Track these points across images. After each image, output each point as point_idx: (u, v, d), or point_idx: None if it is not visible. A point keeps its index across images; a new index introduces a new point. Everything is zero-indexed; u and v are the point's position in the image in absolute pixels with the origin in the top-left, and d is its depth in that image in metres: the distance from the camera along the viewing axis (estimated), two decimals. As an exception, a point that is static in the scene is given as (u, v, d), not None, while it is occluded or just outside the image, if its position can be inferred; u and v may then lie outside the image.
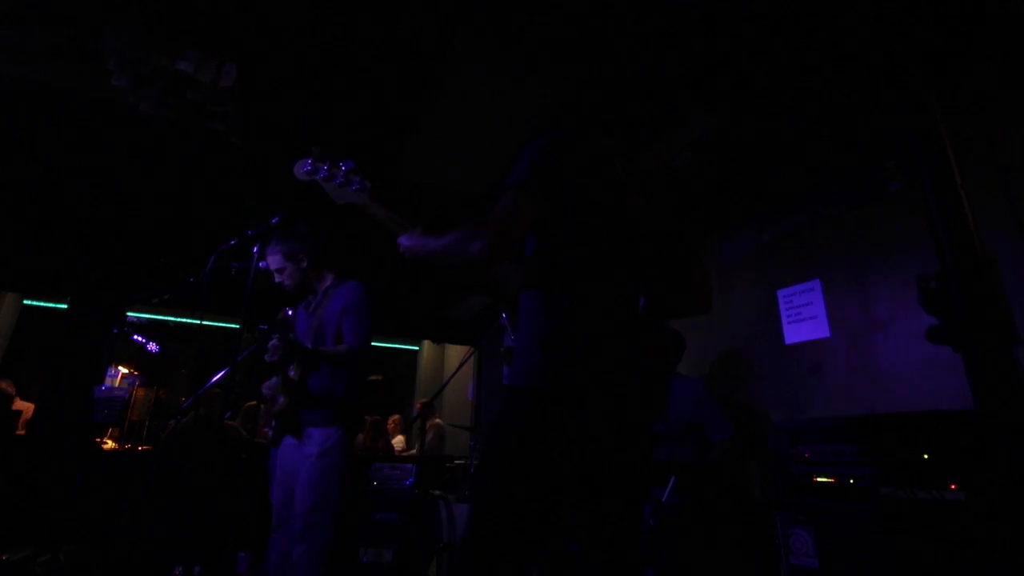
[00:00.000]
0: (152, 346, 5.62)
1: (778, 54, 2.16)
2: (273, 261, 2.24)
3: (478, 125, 3.02)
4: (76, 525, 3.24)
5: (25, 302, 5.97)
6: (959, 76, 2.12)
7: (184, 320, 6.26)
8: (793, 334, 2.78)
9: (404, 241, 1.32)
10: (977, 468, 1.47)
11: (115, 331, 2.72)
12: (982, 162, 1.97)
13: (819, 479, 1.82)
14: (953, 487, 1.51)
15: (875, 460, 1.70)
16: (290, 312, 2.15)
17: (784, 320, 2.83)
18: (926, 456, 1.58)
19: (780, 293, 2.87)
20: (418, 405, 5.14)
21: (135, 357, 6.37)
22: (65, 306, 4.84)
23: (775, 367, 2.84)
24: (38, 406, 4.52)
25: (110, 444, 5.15)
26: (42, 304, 5.99)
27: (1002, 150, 1.97)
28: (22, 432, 4.43)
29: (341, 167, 1.48)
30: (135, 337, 5.42)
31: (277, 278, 2.26)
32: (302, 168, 1.51)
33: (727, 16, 2.02)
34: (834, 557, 1.67)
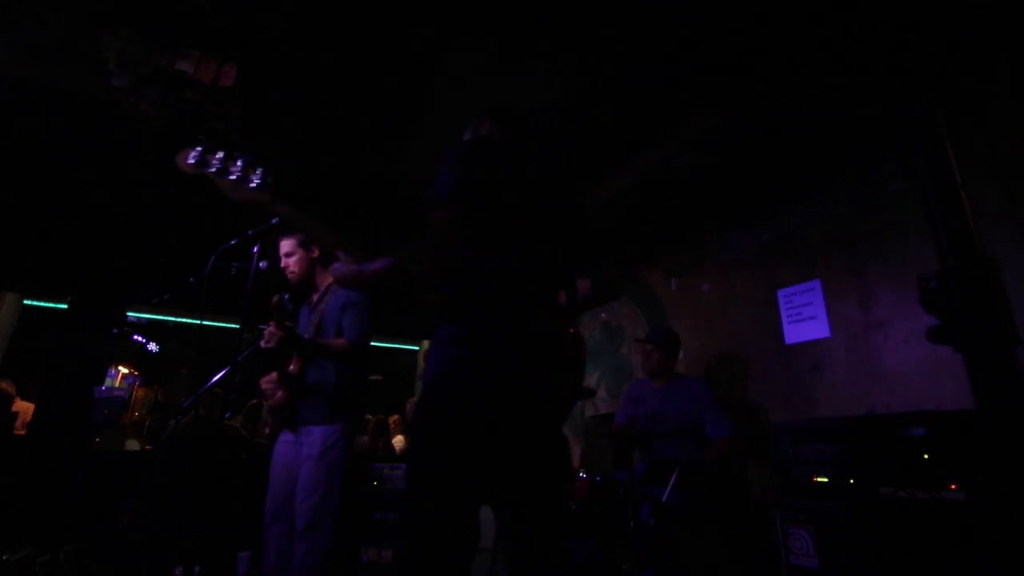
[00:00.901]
0: (152, 346, 5.62)
1: (778, 53, 2.17)
2: (286, 244, 2.26)
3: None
4: (76, 525, 3.24)
5: (25, 302, 5.97)
6: (959, 76, 2.12)
7: (184, 320, 6.26)
8: (793, 334, 2.78)
9: (337, 269, 1.27)
10: (977, 468, 1.47)
11: (115, 331, 2.71)
12: (982, 162, 1.97)
13: (819, 479, 1.82)
14: (953, 487, 1.51)
15: (875, 460, 1.70)
16: (287, 297, 2.06)
17: (784, 320, 2.83)
18: (926, 456, 1.58)
19: (780, 293, 2.87)
20: (409, 405, 5.15)
21: (135, 357, 6.37)
22: (65, 306, 4.84)
23: (775, 367, 2.84)
24: (38, 406, 4.51)
25: (110, 444, 5.14)
26: (42, 304, 5.98)
27: (1002, 150, 1.97)
28: (22, 432, 4.43)
29: (237, 160, 1.35)
30: (135, 337, 5.42)
31: (283, 262, 2.26)
32: (188, 159, 1.35)
33: (726, 16, 2.02)
34: (834, 557, 1.67)
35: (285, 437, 2.12)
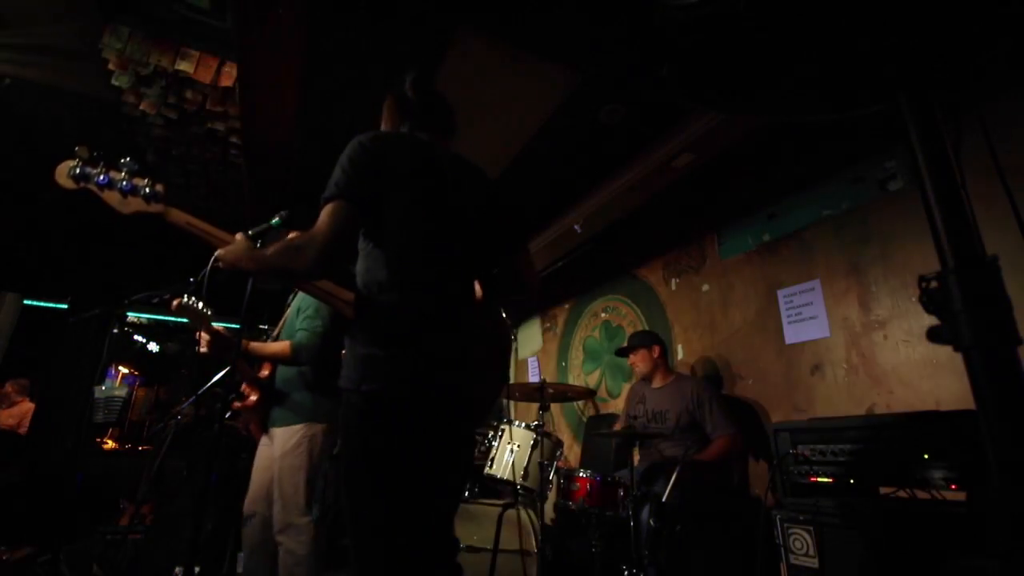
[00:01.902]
0: (152, 346, 5.62)
1: (777, 52, 2.16)
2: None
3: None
4: (76, 525, 3.24)
5: (25, 302, 5.97)
6: (959, 76, 2.11)
7: (184, 320, 6.24)
8: (793, 334, 2.78)
9: (220, 253, 1.23)
10: (977, 468, 1.47)
11: (115, 331, 2.71)
12: (982, 162, 1.97)
13: (819, 479, 1.82)
14: (953, 487, 1.51)
15: (875, 460, 1.70)
16: (189, 300, 1.91)
17: (784, 320, 2.83)
18: (926, 456, 1.58)
19: (780, 293, 2.87)
20: None
21: (135, 357, 6.36)
22: (65, 306, 4.84)
23: (775, 367, 2.84)
24: (38, 406, 4.52)
25: (110, 444, 5.15)
26: (42, 304, 5.98)
27: (1002, 150, 1.97)
28: (23, 432, 4.43)
29: (122, 171, 1.28)
30: (135, 337, 5.42)
31: None
32: (69, 173, 1.27)
33: (725, 15, 2.02)
34: (834, 557, 1.67)
35: (264, 439, 2.15)
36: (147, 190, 1.28)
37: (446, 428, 1.16)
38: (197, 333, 1.89)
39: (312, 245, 1.09)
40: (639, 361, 3.01)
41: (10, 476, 3.79)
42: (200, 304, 1.87)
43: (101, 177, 1.28)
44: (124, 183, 1.27)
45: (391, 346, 1.11)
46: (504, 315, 1.48)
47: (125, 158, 1.29)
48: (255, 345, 2.06)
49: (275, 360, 2.11)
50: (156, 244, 4.64)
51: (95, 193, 1.29)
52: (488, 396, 1.32)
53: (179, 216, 1.28)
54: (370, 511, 1.08)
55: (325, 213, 1.11)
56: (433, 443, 1.14)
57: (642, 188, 3.30)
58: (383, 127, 1.44)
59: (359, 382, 1.09)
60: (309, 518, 1.97)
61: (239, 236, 1.32)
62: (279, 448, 2.03)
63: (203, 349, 1.91)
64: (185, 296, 1.83)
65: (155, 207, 1.29)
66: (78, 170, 1.28)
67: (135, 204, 1.29)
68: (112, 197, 1.29)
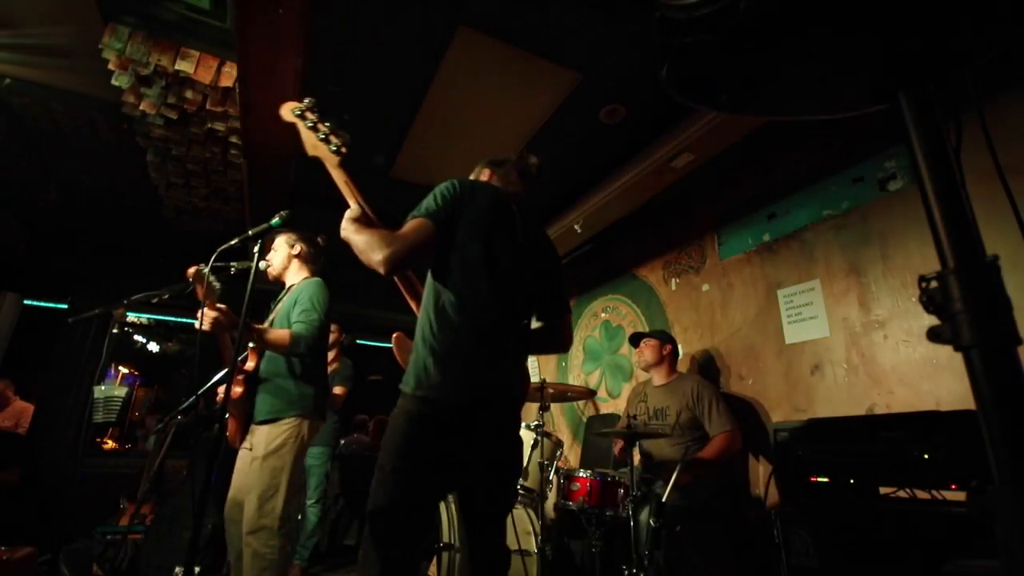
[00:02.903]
0: (152, 346, 5.62)
1: (777, 52, 2.15)
2: (275, 240, 2.32)
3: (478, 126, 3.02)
4: (76, 525, 3.24)
5: (25, 302, 5.96)
6: (959, 75, 2.11)
7: (184, 320, 6.25)
8: (793, 334, 2.78)
9: (344, 221, 1.40)
10: (977, 468, 1.47)
11: (115, 331, 2.71)
12: (982, 162, 1.97)
13: (819, 479, 1.82)
14: (953, 487, 1.51)
15: (875, 460, 1.70)
16: (207, 270, 1.91)
17: (784, 320, 2.83)
18: (926, 456, 1.58)
19: (780, 293, 2.87)
20: None
21: (135, 357, 6.36)
22: (65, 306, 4.84)
23: (775, 367, 2.84)
24: (38, 406, 4.51)
25: (110, 444, 5.15)
26: (42, 304, 5.98)
27: (1002, 150, 1.96)
28: (23, 432, 4.43)
29: (326, 124, 1.56)
30: (135, 337, 5.42)
31: (268, 255, 2.30)
32: (291, 109, 1.58)
33: (725, 15, 2.01)
34: (834, 557, 1.66)
35: (245, 441, 2.12)
36: (334, 147, 1.54)
37: (479, 442, 1.33)
38: (202, 309, 1.87)
39: (394, 244, 1.27)
40: (647, 349, 2.97)
41: (10, 476, 3.79)
42: (213, 279, 1.89)
43: (311, 121, 1.56)
44: (322, 133, 1.55)
45: (446, 364, 1.29)
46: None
47: (332, 118, 1.57)
48: (259, 327, 2.02)
49: (274, 347, 2.05)
50: (156, 244, 4.64)
51: (300, 128, 1.58)
52: (510, 427, 1.47)
53: (340, 175, 1.52)
54: (386, 500, 1.21)
55: (411, 225, 1.32)
56: (464, 451, 1.30)
57: (642, 188, 3.31)
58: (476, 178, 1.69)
59: (415, 388, 1.28)
60: (281, 523, 1.91)
61: (356, 205, 1.48)
62: (263, 448, 1.98)
63: (205, 326, 1.88)
64: (203, 265, 1.87)
65: (331, 159, 1.54)
66: (299, 111, 1.57)
67: (320, 150, 1.55)
68: (309, 137, 1.57)
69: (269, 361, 2.13)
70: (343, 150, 1.55)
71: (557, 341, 1.62)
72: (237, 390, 2.04)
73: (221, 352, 2.08)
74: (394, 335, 1.67)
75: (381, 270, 1.26)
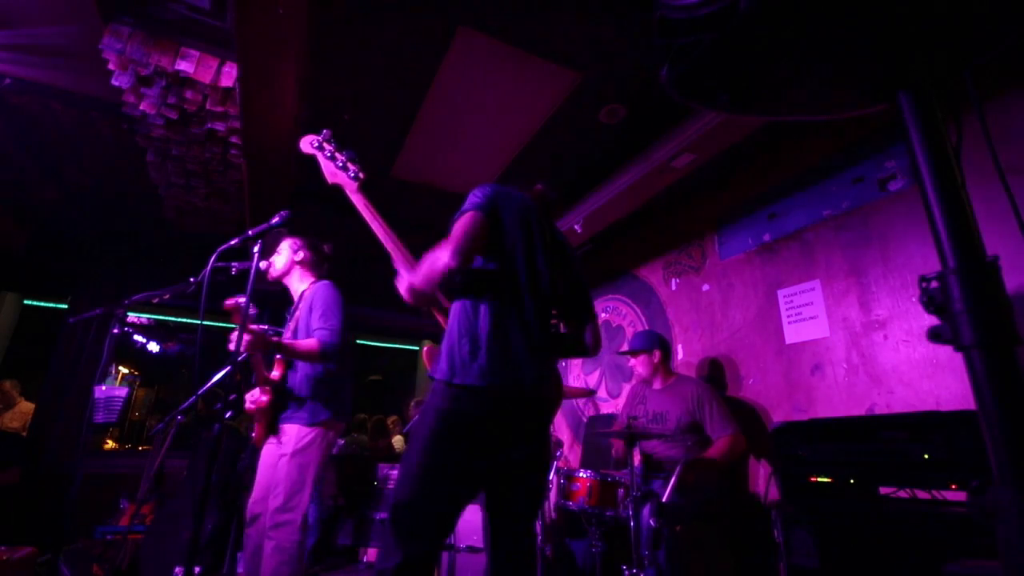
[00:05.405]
0: (152, 346, 5.62)
1: (777, 52, 2.16)
2: (281, 244, 2.33)
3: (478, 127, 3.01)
4: (76, 525, 3.24)
5: (25, 302, 5.97)
6: (959, 75, 2.11)
7: (184, 320, 6.26)
8: (793, 334, 2.78)
9: (398, 282, 1.40)
10: (977, 468, 1.47)
11: (115, 331, 2.71)
12: (982, 162, 1.97)
13: (819, 479, 1.82)
14: (953, 487, 1.51)
15: (875, 460, 1.70)
16: (241, 301, 1.89)
17: (784, 320, 2.83)
18: (926, 456, 1.58)
19: (780, 293, 2.87)
20: (412, 404, 5.15)
21: (135, 357, 6.37)
22: (65, 306, 4.84)
23: (775, 367, 2.84)
24: (38, 406, 4.51)
25: (110, 444, 5.15)
26: (42, 304, 5.98)
27: (1002, 150, 1.97)
28: (23, 432, 4.43)
29: (344, 153, 1.65)
30: (135, 337, 5.42)
31: (272, 256, 2.31)
32: (310, 143, 1.68)
33: (725, 15, 2.02)
34: (834, 557, 1.66)
35: (270, 440, 2.15)
36: (353, 172, 1.62)
37: (513, 431, 1.32)
38: (234, 333, 1.88)
39: (452, 243, 1.28)
40: (638, 366, 3.03)
41: (10, 476, 3.79)
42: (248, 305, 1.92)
43: (328, 151, 1.65)
44: (340, 161, 1.64)
45: (489, 352, 1.30)
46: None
47: (349, 148, 1.67)
48: (287, 342, 2.07)
49: (304, 358, 2.10)
50: (156, 245, 4.64)
51: (317, 159, 1.66)
52: (546, 423, 1.46)
53: (360, 200, 1.58)
54: (413, 496, 1.21)
55: (461, 222, 1.34)
56: (499, 444, 1.30)
57: (642, 188, 3.30)
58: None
59: (451, 375, 1.27)
60: (302, 517, 1.97)
61: (382, 237, 1.51)
62: (291, 444, 2.04)
63: (241, 349, 1.89)
64: (240, 297, 1.88)
65: (350, 185, 1.61)
66: (318, 144, 1.66)
67: (340, 177, 1.63)
68: (327, 167, 1.65)
69: (295, 371, 2.18)
70: (360, 176, 1.62)
71: (583, 346, 1.61)
72: (264, 399, 2.09)
73: (254, 369, 2.11)
74: (424, 347, 1.69)
75: (453, 264, 1.25)
